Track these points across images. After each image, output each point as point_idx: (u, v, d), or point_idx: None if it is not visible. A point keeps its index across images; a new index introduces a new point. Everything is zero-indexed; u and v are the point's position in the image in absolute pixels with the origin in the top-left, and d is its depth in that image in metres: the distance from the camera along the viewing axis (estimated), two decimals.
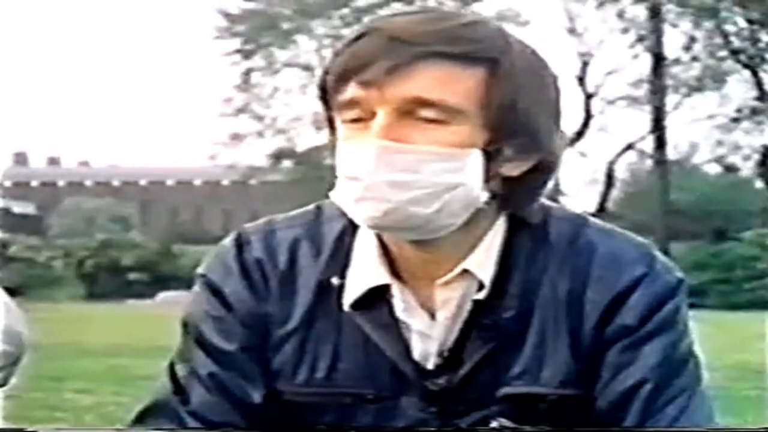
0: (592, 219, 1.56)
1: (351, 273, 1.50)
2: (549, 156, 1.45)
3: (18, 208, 45.24)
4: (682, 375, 1.49)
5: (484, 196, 1.43)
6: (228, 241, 1.57)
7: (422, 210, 1.39)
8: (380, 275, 1.49)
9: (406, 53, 1.37)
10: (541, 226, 1.52)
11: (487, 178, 1.42)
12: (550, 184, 1.51)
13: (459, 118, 1.39)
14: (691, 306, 1.55)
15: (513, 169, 1.44)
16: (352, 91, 1.40)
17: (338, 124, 1.45)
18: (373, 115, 1.39)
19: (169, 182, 59.31)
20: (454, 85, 1.38)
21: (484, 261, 1.48)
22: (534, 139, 1.43)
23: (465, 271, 1.47)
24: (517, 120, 1.41)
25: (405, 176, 1.38)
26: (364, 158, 1.39)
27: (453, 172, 1.39)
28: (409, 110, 1.38)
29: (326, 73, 1.43)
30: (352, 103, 1.41)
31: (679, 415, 1.46)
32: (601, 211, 30.77)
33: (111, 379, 10.11)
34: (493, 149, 1.41)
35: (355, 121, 1.42)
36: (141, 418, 1.54)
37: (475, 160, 1.40)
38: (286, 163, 36.35)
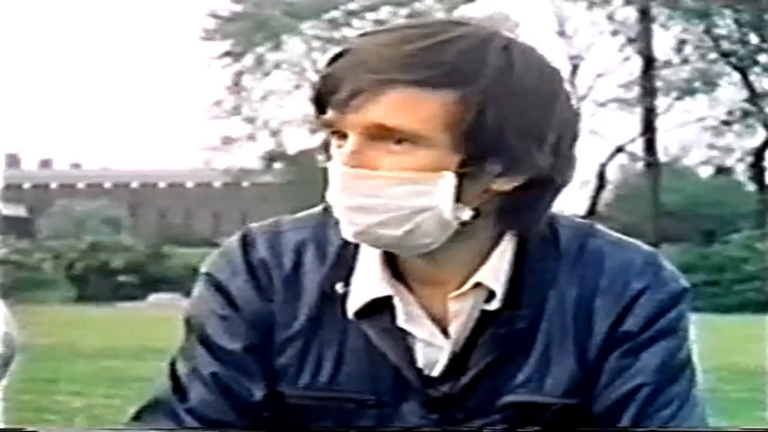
0: (599, 227, 1.56)
1: (355, 281, 1.50)
2: (540, 173, 1.42)
3: (9, 210, 45.12)
4: (678, 382, 1.49)
5: (466, 214, 1.41)
6: (234, 240, 1.56)
7: (392, 232, 1.40)
8: (382, 286, 1.48)
9: (368, 79, 1.37)
10: (551, 235, 1.51)
11: (466, 198, 1.40)
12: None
13: (424, 142, 1.37)
14: None
15: (504, 185, 1.42)
16: (328, 110, 1.41)
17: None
18: (347, 134, 1.40)
19: (161, 184, 59.20)
20: (415, 110, 1.37)
21: (496, 272, 1.47)
22: (513, 157, 1.40)
23: (477, 283, 1.47)
24: (489, 141, 1.38)
25: (369, 201, 1.39)
26: (333, 183, 1.41)
27: (421, 195, 1.38)
28: (377, 134, 1.38)
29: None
30: (327, 123, 1.42)
31: (670, 420, 1.47)
32: (591, 213, 30.79)
33: (101, 381, 10.10)
34: (472, 169, 1.39)
35: (336, 135, 1.42)
36: (139, 416, 1.54)
37: (446, 183, 1.38)
38: (278, 165, 36.35)
